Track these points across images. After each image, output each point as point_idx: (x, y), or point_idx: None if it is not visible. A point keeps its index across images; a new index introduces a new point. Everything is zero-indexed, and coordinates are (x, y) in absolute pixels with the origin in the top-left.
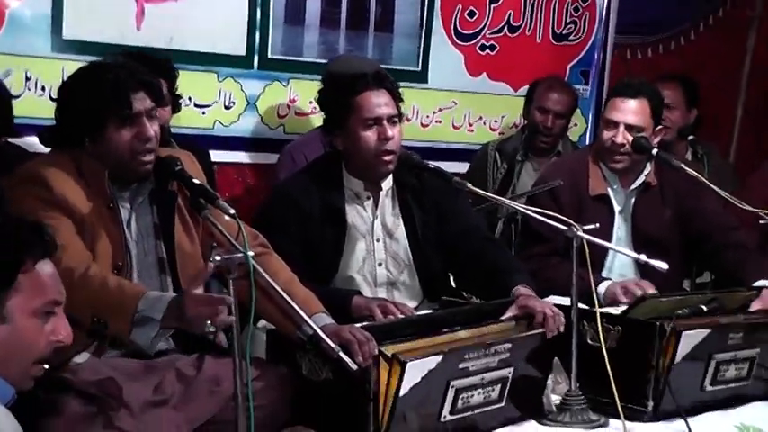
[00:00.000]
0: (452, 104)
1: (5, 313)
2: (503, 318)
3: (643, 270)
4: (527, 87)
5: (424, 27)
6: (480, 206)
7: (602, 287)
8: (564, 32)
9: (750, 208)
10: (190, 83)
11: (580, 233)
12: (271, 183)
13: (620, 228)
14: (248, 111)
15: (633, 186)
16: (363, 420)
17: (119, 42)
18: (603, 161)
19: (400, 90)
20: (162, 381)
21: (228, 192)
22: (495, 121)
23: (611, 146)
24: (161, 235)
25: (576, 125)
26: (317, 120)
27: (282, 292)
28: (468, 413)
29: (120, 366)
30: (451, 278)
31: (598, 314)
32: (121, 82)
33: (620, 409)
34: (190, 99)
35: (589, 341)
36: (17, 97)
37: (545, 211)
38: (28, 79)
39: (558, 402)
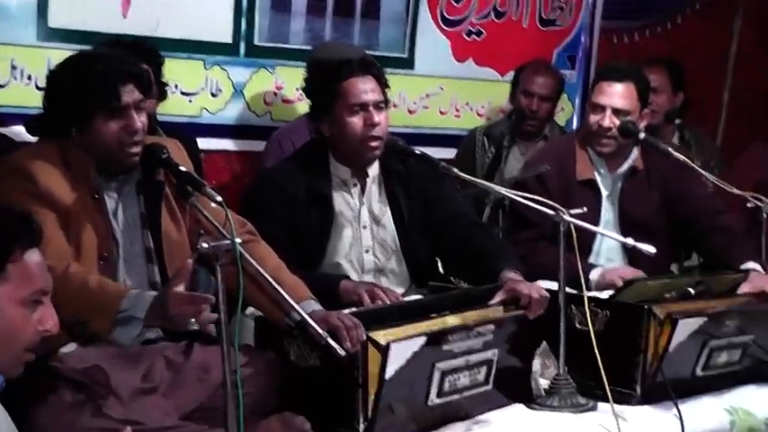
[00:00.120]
0: (439, 90)
1: None
2: (491, 303)
3: (630, 254)
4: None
5: (411, 13)
6: (468, 192)
7: (595, 273)
8: (550, 17)
9: (737, 191)
10: (176, 70)
11: (567, 218)
12: (257, 170)
13: (607, 212)
14: (235, 98)
15: (620, 170)
16: (352, 406)
17: (105, 30)
18: (590, 145)
19: (386, 76)
20: (150, 368)
21: (216, 179)
22: (482, 107)
23: (597, 130)
24: (148, 224)
25: (562, 110)
26: (304, 107)
27: (270, 279)
28: (456, 396)
29: (108, 354)
30: (439, 264)
31: (586, 298)
32: (110, 73)
33: (608, 393)
34: (176, 87)
35: (577, 325)
36: (3, 86)
37: (532, 196)
38: (14, 68)
39: (546, 386)
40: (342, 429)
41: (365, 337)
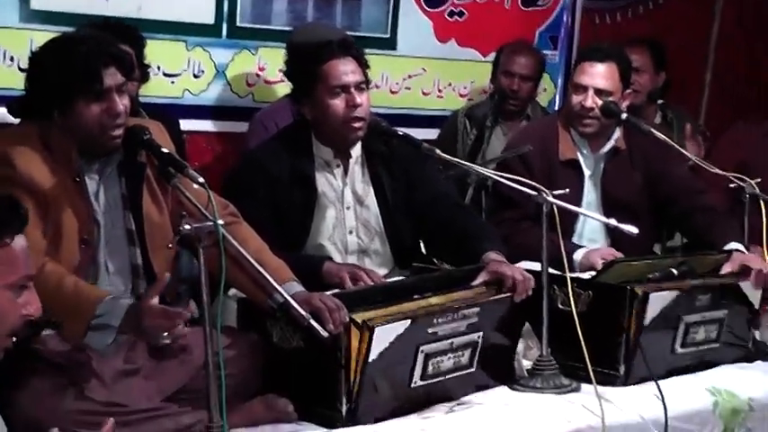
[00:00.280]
0: (421, 71)
1: None
2: (473, 284)
3: (613, 234)
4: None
5: None
6: (450, 173)
7: (579, 254)
8: None
9: (719, 171)
10: (158, 52)
11: (550, 198)
12: (240, 151)
13: (589, 192)
14: (217, 79)
15: (603, 151)
16: (335, 387)
17: (87, 12)
18: (573, 126)
19: (369, 57)
20: (133, 351)
21: (198, 160)
22: (465, 87)
23: (580, 110)
24: (129, 206)
25: (545, 90)
26: (286, 88)
27: (253, 261)
28: (439, 379)
29: None
30: (422, 245)
31: (569, 279)
32: (92, 56)
33: (591, 374)
34: (159, 68)
35: (560, 306)
36: None
37: (515, 177)
38: None
39: (529, 368)
40: (325, 411)
41: (348, 319)
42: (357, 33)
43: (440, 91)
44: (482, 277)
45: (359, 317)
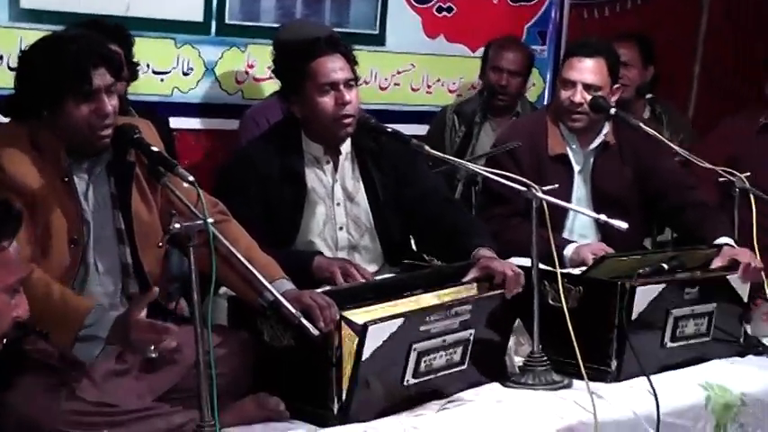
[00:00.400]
0: (410, 67)
1: None
2: (464, 280)
3: (603, 230)
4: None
5: None
6: (439, 168)
7: (569, 250)
8: None
9: (709, 165)
10: (147, 50)
11: (539, 194)
12: (230, 148)
13: (579, 188)
14: (206, 77)
15: (592, 146)
16: (326, 386)
17: (76, 10)
18: (562, 121)
19: (357, 53)
20: (124, 350)
21: (187, 158)
22: (454, 83)
23: (569, 105)
24: (118, 205)
25: (534, 85)
26: (275, 85)
27: (243, 259)
28: (431, 376)
29: None
30: (412, 241)
31: (559, 274)
32: (82, 56)
33: (582, 370)
34: (148, 66)
35: (551, 302)
36: None
37: (504, 173)
38: None
39: (520, 364)
40: (316, 409)
41: (339, 317)
42: (346, 30)
43: (429, 87)
44: (473, 273)
45: (351, 315)
